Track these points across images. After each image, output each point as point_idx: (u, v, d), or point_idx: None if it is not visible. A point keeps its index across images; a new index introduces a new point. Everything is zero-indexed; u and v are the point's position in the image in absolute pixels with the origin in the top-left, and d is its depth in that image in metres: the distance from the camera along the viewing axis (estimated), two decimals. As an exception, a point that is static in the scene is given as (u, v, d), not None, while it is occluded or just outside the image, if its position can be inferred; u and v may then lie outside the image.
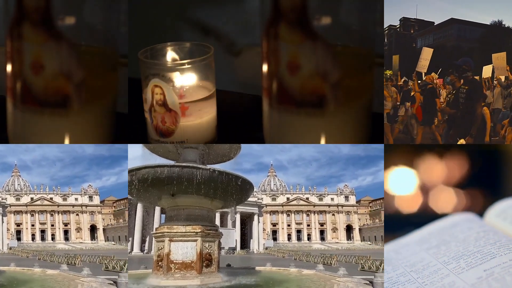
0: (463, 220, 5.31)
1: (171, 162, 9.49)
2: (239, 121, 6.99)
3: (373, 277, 8.06)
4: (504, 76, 13.25)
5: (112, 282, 8.45)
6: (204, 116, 6.44)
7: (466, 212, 5.58)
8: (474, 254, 4.57)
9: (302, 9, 5.21)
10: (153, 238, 9.20)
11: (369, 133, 6.05)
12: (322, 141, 5.74)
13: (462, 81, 9.67)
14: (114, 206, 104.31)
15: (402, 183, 8.22)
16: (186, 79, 6.29)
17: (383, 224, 69.34)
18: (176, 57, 6.59)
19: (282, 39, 5.35)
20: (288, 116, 5.61)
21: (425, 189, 8.19)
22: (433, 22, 47.96)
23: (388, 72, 12.89)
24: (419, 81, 12.24)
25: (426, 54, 13.56)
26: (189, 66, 6.25)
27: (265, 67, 5.68)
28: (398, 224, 7.20)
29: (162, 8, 7.80)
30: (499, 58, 13.20)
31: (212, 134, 6.60)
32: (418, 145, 9.85)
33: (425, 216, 5.80)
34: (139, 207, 59.81)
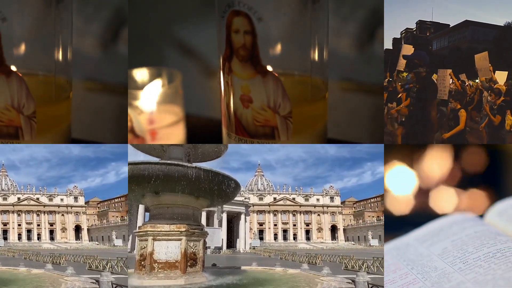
0: (463, 220, 5.34)
1: (156, 160, 9.44)
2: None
3: (356, 276, 8.09)
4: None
5: (94, 281, 8.36)
6: (171, 140, 6.72)
7: (466, 212, 5.62)
8: (475, 252, 4.60)
9: (252, 47, 5.47)
10: (136, 237, 9.13)
11: None
12: None
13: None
14: (98, 207, 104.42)
15: (402, 183, 8.22)
16: (153, 105, 6.52)
17: (366, 224, 69.93)
18: (148, 83, 6.71)
19: (235, 74, 5.62)
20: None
21: (425, 189, 8.18)
22: (448, 25, 48.20)
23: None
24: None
25: (406, 50, 13.55)
26: (156, 92, 6.53)
27: (222, 98, 5.93)
28: (398, 224, 7.20)
29: (144, 27, 7.76)
30: (481, 58, 13.25)
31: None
32: (418, 145, 9.77)
33: (425, 216, 5.82)
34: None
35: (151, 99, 6.49)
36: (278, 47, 5.49)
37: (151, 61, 7.04)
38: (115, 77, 7.21)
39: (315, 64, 5.69)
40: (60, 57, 5.81)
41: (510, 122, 10.50)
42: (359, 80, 7.17)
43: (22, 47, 5.58)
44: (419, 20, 52.56)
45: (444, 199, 8.04)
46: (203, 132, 7.20)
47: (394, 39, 54.92)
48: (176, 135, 6.75)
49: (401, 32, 54.78)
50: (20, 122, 5.75)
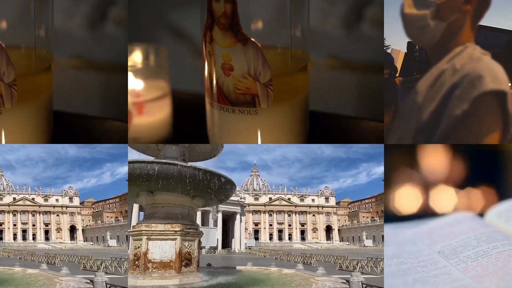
0: (463, 219, 5.35)
1: (151, 159, 9.41)
2: (198, 121, 7.06)
3: (350, 276, 8.11)
4: None
5: (89, 281, 8.34)
6: (157, 115, 6.89)
7: (466, 212, 5.63)
8: (475, 251, 4.61)
9: (232, 15, 5.66)
10: (130, 237, 9.10)
11: (306, 131, 6.39)
12: (259, 139, 6.11)
13: None
14: (93, 208, 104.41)
15: (402, 183, 8.21)
16: (139, 80, 6.70)
17: (360, 225, 70.21)
18: (135, 58, 6.88)
19: (216, 42, 5.79)
20: (225, 115, 6.02)
21: (425, 189, 8.18)
22: None
23: None
24: None
25: (400, 57, 13.54)
26: (140, 67, 6.75)
27: (205, 68, 6.10)
28: (398, 224, 7.19)
29: (137, 9, 7.84)
30: None
31: (166, 132, 7.06)
32: (418, 145, 9.74)
33: (425, 216, 5.83)
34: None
35: (136, 73, 6.69)
36: (259, 20, 5.70)
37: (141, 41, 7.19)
38: (101, 55, 7.41)
39: (295, 36, 5.87)
40: (42, 31, 6.08)
41: None
42: (345, 57, 7.32)
43: (4, 23, 5.90)
44: None
45: (444, 198, 8.05)
46: (189, 107, 7.26)
47: (409, 43, 55.40)
48: (162, 109, 6.92)
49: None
50: (0, 89, 5.92)
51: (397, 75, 9.20)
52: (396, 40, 7.60)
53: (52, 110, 6.55)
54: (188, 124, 7.24)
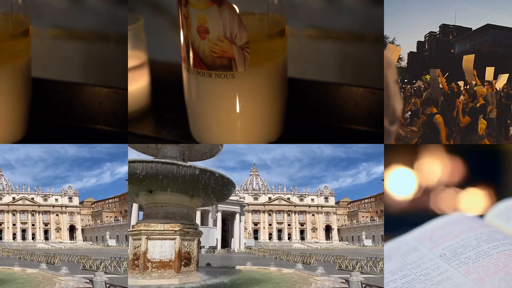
0: (463, 219, 5.34)
1: (150, 158, 9.40)
2: (176, 90, 6.98)
3: (349, 275, 8.10)
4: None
5: (88, 281, 8.33)
6: (134, 85, 6.89)
7: (466, 212, 5.62)
8: (476, 252, 4.60)
9: None
10: (130, 236, 9.09)
11: (284, 96, 6.31)
12: (237, 104, 6.01)
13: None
14: (93, 207, 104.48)
15: (402, 183, 8.19)
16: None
17: (360, 224, 70.15)
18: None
19: (192, 4, 5.74)
20: (201, 80, 5.95)
21: (425, 189, 8.16)
22: (471, 28, 48.87)
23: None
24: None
25: (396, 52, 13.51)
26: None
27: (180, 34, 6.02)
28: (398, 224, 7.17)
29: None
30: (467, 60, 13.22)
31: (144, 103, 7.06)
32: (418, 145, 9.73)
33: (425, 216, 5.81)
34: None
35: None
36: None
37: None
38: (82, 24, 7.37)
39: (272, 3, 5.83)
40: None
41: (484, 127, 10.39)
42: (326, 27, 7.23)
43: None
44: (443, 24, 53.24)
45: (444, 198, 8.04)
46: (167, 77, 7.21)
47: (419, 42, 55.45)
48: (139, 79, 6.94)
49: (425, 35, 55.36)
50: None
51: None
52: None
53: (30, 76, 6.58)
54: (166, 94, 7.15)
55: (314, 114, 6.93)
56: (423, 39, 55.42)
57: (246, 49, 5.73)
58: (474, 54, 13.61)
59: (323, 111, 6.90)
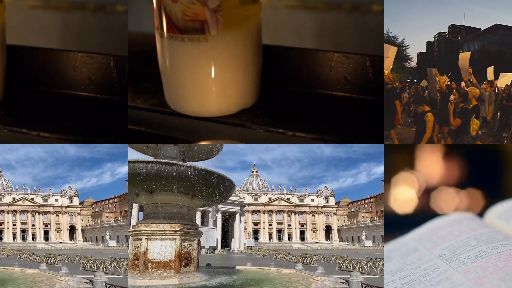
0: (463, 219, 5.34)
1: (151, 158, 9.41)
2: (151, 60, 6.94)
3: (349, 276, 8.10)
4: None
5: (88, 281, 8.33)
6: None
7: (466, 212, 5.61)
8: (475, 252, 4.60)
9: None
10: (130, 237, 9.10)
11: (258, 61, 6.31)
12: (212, 69, 5.99)
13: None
14: (93, 208, 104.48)
15: (402, 183, 8.18)
16: None
17: (360, 225, 69.92)
18: None
19: None
20: (175, 44, 5.96)
21: (425, 190, 8.15)
22: (479, 29, 49.03)
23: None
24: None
25: (392, 52, 13.48)
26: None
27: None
28: (398, 224, 7.17)
29: None
30: (463, 58, 13.17)
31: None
32: (418, 145, 9.70)
33: (425, 216, 5.81)
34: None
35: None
36: None
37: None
38: None
39: None
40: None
41: (476, 127, 10.30)
42: None
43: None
44: (451, 24, 53.45)
45: (444, 199, 8.03)
46: (144, 48, 7.13)
47: (428, 43, 55.64)
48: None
49: (434, 36, 55.51)
50: None
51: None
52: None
53: (5, 44, 6.59)
54: (141, 64, 7.09)
55: (290, 80, 6.89)
56: (432, 40, 55.61)
57: (218, 12, 5.74)
58: (470, 52, 13.63)
59: (298, 78, 6.86)
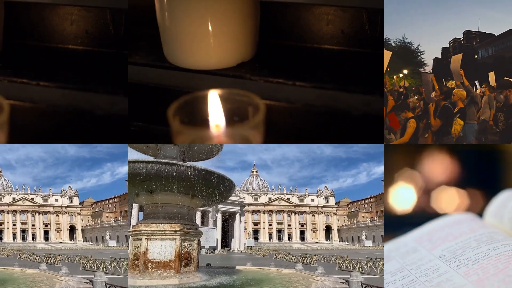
0: (463, 220, 5.34)
1: (151, 158, 9.40)
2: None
3: (349, 276, 8.10)
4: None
5: (88, 281, 8.34)
6: None
7: (466, 212, 5.61)
8: (475, 251, 4.59)
9: None
10: (130, 237, 9.10)
11: (256, 17, 6.35)
12: (209, 24, 6.03)
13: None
14: (93, 208, 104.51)
15: (402, 183, 8.18)
16: None
17: (360, 225, 70.03)
18: None
19: None
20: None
21: (425, 190, 8.14)
22: (494, 34, 49.24)
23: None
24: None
25: (386, 56, 13.48)
26: None
27: None
28: (398, 224, 7.16)
29: None
30: (455, 60, 13.10)
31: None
32: (418, 145, 9.67)
33: (425, 216, 5.81)
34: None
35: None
36: None
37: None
38: None
39: None
40: None
41: (459, 128, 10.20)
42: None
43: None
44: (466, 30, 53.68)
45: (444, 199, 8.03)
46: (142, 1, 7.08)
47: (443, 49, 55.88)
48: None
49: (449, 41, 55.69)
50: None
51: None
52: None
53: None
54: (140, 29, 7.06)
55: (287, 35, 6.89)
56: (447, 45, 55.85)
57: None
58: (461, 54, 13.58)
59: (296, 33, 6.86)
